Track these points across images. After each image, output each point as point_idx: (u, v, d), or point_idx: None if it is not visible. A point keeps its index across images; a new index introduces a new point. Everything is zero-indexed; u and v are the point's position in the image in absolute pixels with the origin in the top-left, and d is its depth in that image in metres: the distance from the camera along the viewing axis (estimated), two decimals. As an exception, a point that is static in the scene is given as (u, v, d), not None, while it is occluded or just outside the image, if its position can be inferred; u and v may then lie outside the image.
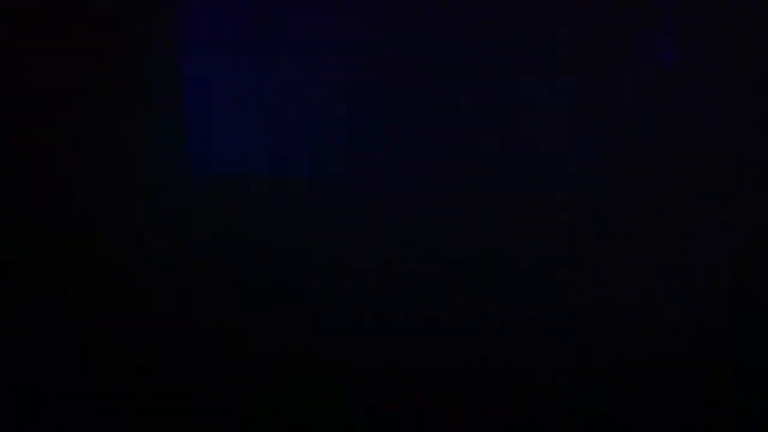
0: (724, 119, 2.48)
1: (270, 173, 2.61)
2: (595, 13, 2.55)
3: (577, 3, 2.54)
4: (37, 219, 2.32)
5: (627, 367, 2.37)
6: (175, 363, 2.34)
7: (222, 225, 2.46)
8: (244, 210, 2.49)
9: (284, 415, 2.31)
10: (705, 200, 2.47)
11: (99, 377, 2.31)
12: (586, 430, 2.29)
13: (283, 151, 2.63)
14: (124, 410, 2.29)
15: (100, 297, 2.34)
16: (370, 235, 2.49)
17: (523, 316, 2.44)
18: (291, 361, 2.36)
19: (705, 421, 2.26)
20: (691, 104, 2.48)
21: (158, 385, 2.31)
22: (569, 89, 2.55)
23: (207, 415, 2.30)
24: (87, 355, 2.32)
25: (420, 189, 2.55)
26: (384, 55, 2.57)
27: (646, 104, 2.50)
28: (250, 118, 2.64)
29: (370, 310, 2.43)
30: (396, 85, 2.55)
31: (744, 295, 2.42)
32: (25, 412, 2.25)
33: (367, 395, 2.33)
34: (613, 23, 2.53)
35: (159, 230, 2.41)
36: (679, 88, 2.49)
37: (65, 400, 2.28)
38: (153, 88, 2.43)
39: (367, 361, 2.37)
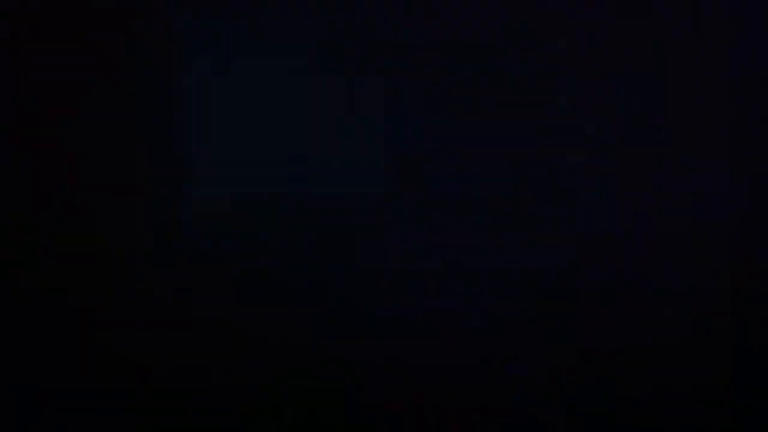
0: (724, 118, 2.48)
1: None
2: (597, 20, 2.55)
3: (578, 12, 2.54)
4: (37, 219, 2.32)
5: (627, 367, 2.37)
6: (175, 363, 2.34)
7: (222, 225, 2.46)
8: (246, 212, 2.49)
9: (284, 415, 2.30)
10: (703, 201, 2.47)
11: (99, 377, 2.31)
12: (586, 430, 2.29)
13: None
14: (124, 410, 2.29)
15: (100, 297, 2.34)
16: (370, 235, 2.49)
17: (523, 316, 2.44)
18: (291, 361, 2.36)
19: (705, 421, 2.26)
20: (690, 105, 2.48)
21: (158, 385, 2.31)
22: (571, 93, 2.55)
23: (207, 415, 2.30)
24: (87, 355, 2.32)
25: (419, 190, 2.55)
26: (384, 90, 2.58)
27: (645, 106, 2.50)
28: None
29: (370, 310, 2.43)
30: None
31: (744, 295, 2.42)
32: (25, 412, 2.25)
33: (367, 395, 2.33)
34: (613, 30, 2.53)
35: (159, 230, 2.41)
36: (678, 91, 2.49)
37: (65, 400, 2.28)
38: (153, 87, 2.43)
39: (367, 361, 2.37)
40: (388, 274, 2.46)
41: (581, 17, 2.55)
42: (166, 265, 2.41)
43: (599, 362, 2.38)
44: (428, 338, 2.42)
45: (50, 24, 2.32)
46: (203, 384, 2.33)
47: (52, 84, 2.33)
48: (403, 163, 2.61)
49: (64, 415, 2.28)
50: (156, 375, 2.32)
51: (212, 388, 2.32)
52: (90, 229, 2.36)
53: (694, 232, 2.47)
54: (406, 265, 2.48)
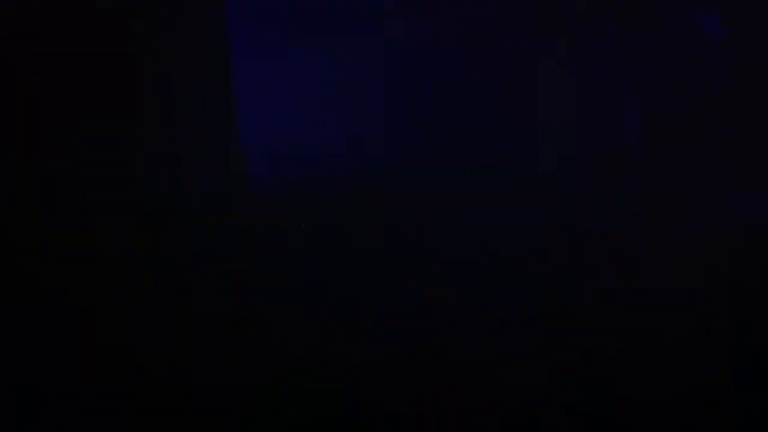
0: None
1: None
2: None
3: None
4: (38, 219, 2.32)
5: (627, 367, 2.37)
6: (175, 363, 2.34)
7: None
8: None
9: (284, 415, 2.31)
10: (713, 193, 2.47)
11: (99, 377, 2.31)
12: (586, 430, 2.29)
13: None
14: (124, 410, 2.29)
15: (100, 297, 2.35)
16: (373, 233, 2.49)
17: (523, 316, 2.44)
18: (291, 361, 2.36)
19: (705, 421, 2.25)
20: (737, 76, 2.43)
21: (158, 385, 2.31)
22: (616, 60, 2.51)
23: (207, 415, 2.30)
24: (87, 355, 2.32)
25: (428, 186, 2.55)
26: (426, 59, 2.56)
27: (693, 77, 2.45)
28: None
29: (371, 310, 2.43)
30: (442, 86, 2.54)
31: (744, 293, 2.42)
32: (25, 412, 2.25)
33: (367, 395, 2.34)
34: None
35: (159, 230, 2.41)
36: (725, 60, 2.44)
37: (65, 400, 2.28)
38: (152, 89, 2.43)
39: (367, 361, 2.38)
40: (388, 274, 2.46)
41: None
42: (166, 264, 2.41)
43: (599, 362, 2.38)
44: (429, 338, 2.42)
45: (50, 24, 2.32)
46: (203, 384, 2.33)
47: (52, 84, 2.34)
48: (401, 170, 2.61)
49: (64, 415, 2.28)
50: (156, 375, 2.33)
51: (212, 388, 2.33)
52: (90, 229, 2.37)
53: (693, 232, 2.47)
54: (405, 264, 2.48)
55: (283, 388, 2.33)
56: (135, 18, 2.40)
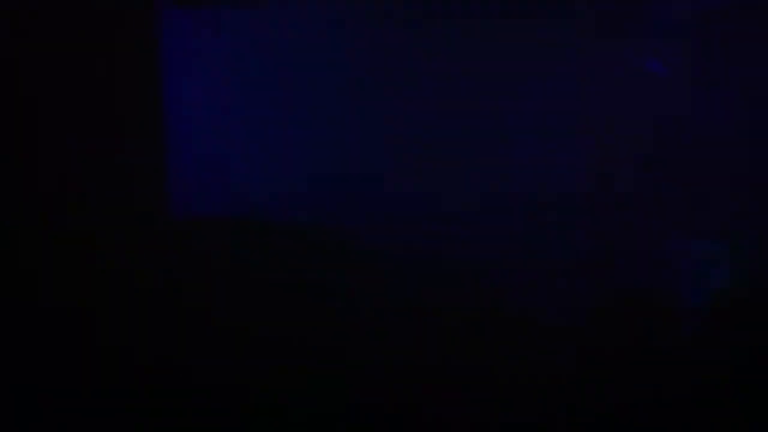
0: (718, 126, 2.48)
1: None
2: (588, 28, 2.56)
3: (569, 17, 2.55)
4: (38, 219, 2.32)
5: (627, 366, 2.37)
6: (175, 363, 2.34)
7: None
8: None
9: (284, 415, 2.30)
10: (704, 203, 2.47)
11: (99, 377, 2.31)
12: (586, 430, 2.29)
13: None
14: (124, 410, 2.29)
15: (100, 297, 2.34)
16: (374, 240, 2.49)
17: (523, 316, 2.44)
18: (291, 361, 2.36)
19: (705, 421, 2.25)
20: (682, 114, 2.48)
21: (158, 385, 2.31)
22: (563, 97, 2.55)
23: (207, 415, 2.29)
24: (87, 355, 2.32)
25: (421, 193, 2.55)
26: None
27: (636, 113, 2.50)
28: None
29: (370, 310, 2.43)
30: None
31: (745, 294, 2.42)
32: (25, 412, 2.25)
33: (367, 395, 2.33)
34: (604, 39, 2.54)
35: (158, 230, 2.41)
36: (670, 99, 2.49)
37: (65, 400, 2.28)
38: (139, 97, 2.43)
39: (367, 360, 2.37)
40: (384, 271, 2.46)
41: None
42: (166, 265, 2.41)
43: (600, 362, 2.38)
44: (429, 338, 2.42)
45: (50, 24, 2.32)
46: (203, 384, 2.33)
47: (52, 84, 2.33)
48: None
49: (64, 415, 2.28)
50: (156, 375, 2.33)
51: (212, 388, 2.32)
52: (90, 229, 2.37)
53: (695, 233, 2.47)
54: (406, 266, 2.48)
55: (283, 388, 2.33)
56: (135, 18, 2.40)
